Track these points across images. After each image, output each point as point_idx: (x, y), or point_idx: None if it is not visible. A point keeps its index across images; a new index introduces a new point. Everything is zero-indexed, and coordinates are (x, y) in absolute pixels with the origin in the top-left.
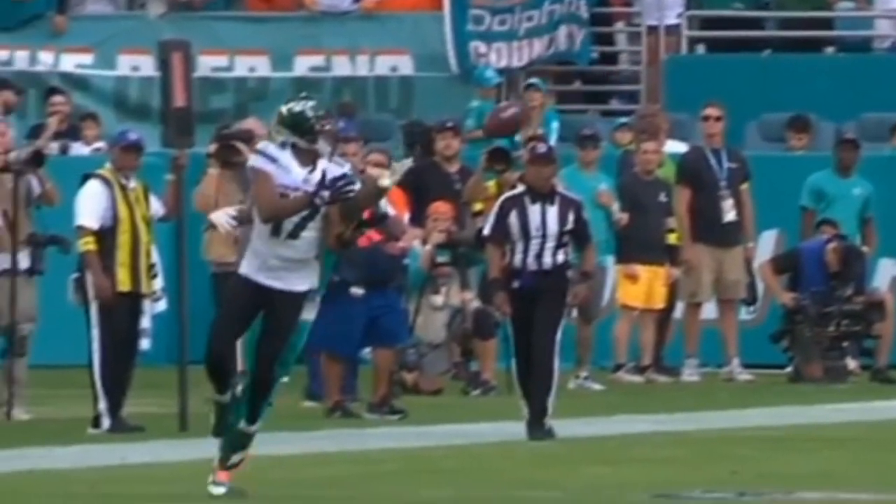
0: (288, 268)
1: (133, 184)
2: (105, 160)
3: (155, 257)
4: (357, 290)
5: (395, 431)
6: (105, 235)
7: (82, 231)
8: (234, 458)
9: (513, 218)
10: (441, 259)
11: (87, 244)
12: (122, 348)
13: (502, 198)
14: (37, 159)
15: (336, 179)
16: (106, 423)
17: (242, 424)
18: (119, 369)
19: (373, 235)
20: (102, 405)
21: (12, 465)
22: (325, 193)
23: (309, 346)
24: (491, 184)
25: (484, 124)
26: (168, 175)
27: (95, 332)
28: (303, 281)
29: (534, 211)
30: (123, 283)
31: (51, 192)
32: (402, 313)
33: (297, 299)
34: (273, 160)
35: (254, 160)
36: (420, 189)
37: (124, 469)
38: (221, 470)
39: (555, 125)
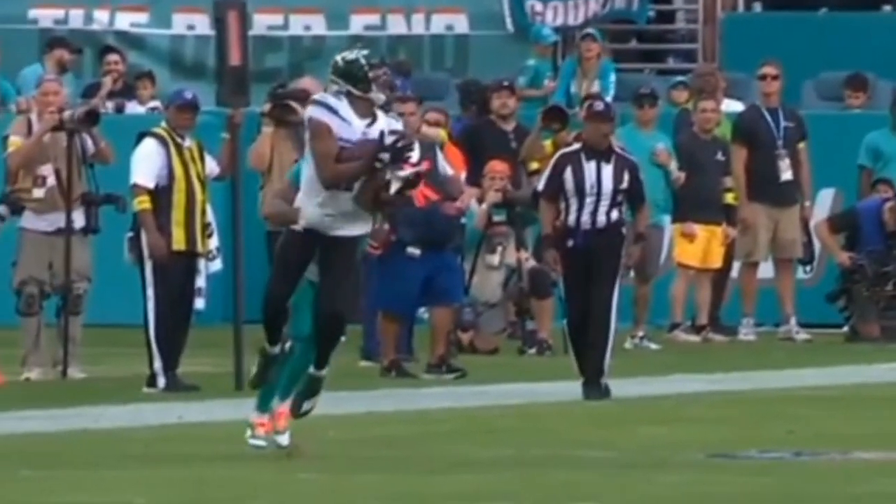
0: (344, 216)
1: (188, 142)
2: (160, 119)
3: (210, 216)
4: (413, 251)
5: (451, 391)
6: (160, 194)
7: (137, 190)
8: (306, 406)
9: (567, 174)
10: (497, 218)
11: (143, 203)
12: (177, 307)
13: (558, 154)
14: (91, 118)
15: (396, 141)
16: (161, 382)
17: (312, 370)
18: (174, 328)
19: (430, 195)
20: (157, 364)
21: (67, 423)
22: (386, 156)
23: (365, 305)
24: (547, 143)
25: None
26: (223, 134)
27: (150, 292)
28: (357, 226)
29: (589, 168)
30: (178, 242)
31: (105, 150)
32: (458, 273)
33: (354, 242)
34: (332, 111)
35: (312, 110)
36: (476, 148)
37: (179, 428)
38: (289, 417)
39: (612, 78)
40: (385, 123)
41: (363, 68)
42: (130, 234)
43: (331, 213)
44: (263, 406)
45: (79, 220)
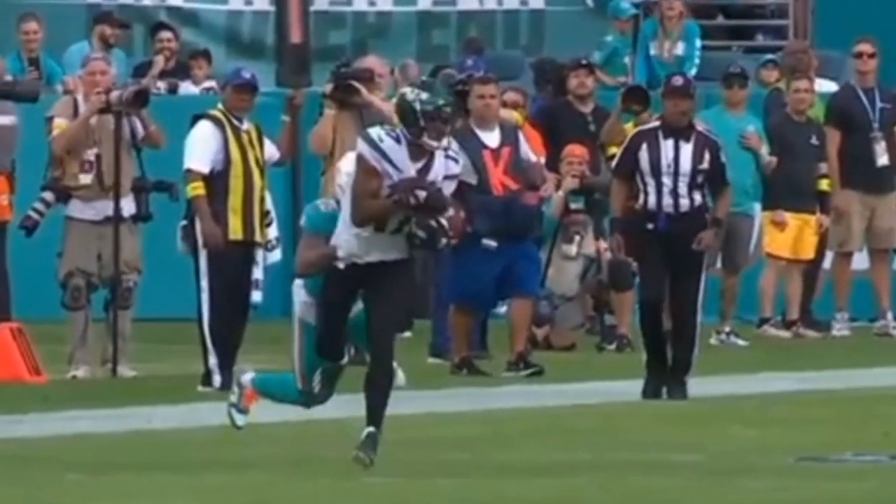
0: (386, 244)
1: (246, 125)
2: (216, 100)
3: (269, 204)
4: (489, 243)
5: (524, 390)
6: (216, 180)
7: (191, 175)
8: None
9: (643, 153)
10: (574, 206)
11: (197, 189)
12: (233, 300)
13: (634, 131)
14: (140, 99)
15: (432, 196)
16: (216, 380)
17: (369, 428)
18: (230, 323)
19: (509, 183)
20: (213, 361)
21: (117, 424)
22: (422, 194)
23: (437, 300)
24: (629, 125)
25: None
26: (283, 116)
27: (205, 284)
28: (399, 251)
29: (666, 147)
30: (235, 230)
31: (154, 133)
32: (537, 263)
33: (402, 265)
34: (385, 157)
35: (363, 148)
36: (552, 131)
37: (236, 429)
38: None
39: (698, 43)
40: (441, 168)
41: (415, 113)
42: (184, 222)
43: (367, 234)
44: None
45: (128, 207)
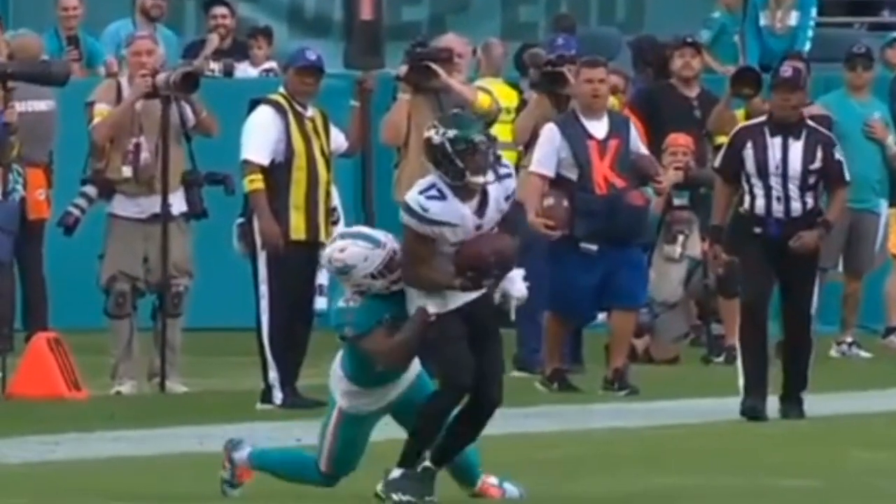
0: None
1: (310, 112)
2: (277, 84)
3: (335, 199)
4: (589, 247)
5: (623, 408)
6: (276, 172)
7: (249, 167)
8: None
9: (748, 152)
10: (678, 202)
11: (255, 183)
12: (295, 307)
13: (737, 127)
14: (189, 82)
15: (495, 264)
16: (278, 397)
17: (429, 463)
18: (293, 333)
19: (613, 179)
20: (273, 375)
21: (166, 446)
22: (488, 275)
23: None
24: (739, 112)
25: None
26: (352, 101)
27: (264, 289)
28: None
29: (774, 145)
30: (298, 229)
31: (207, 120)
32: (643, 271)
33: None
34: (436, 223)
35: (408, 220)
36: (653, 117)
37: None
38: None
39: (813, 13)
40: (500, 195)
41: (449, 156)
42: (240, 220)
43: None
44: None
45: (178, 204)
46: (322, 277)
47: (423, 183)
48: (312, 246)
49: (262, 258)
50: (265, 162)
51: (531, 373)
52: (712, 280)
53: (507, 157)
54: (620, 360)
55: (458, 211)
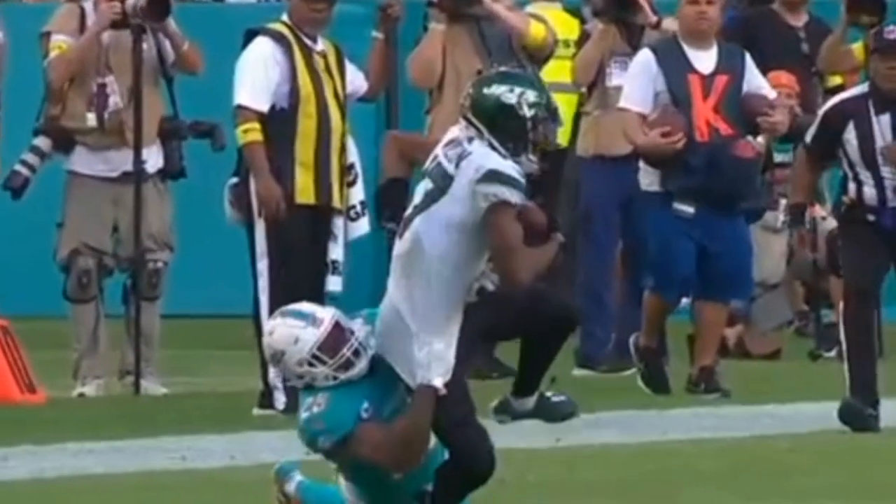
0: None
1: (321, 45)
2: (280, 10)
3: (353, 154)
4: (684, 209)
5: (709, 414)
6: (278, 121)
7: (244, 114)
8: None
9: (850, 133)
10: (781, 157)
11: (251, 133)
12: (302, 289)
13: (832, 102)
14: (157, 7)
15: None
16: (280, 400)
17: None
18: None
19: (720, 126)
20: (275, 374)
21: (142, 461)
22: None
23: (584, 293)
24: (856, 46)
25: None
26: (373, 32)
27: (263, 266)
28: None
29: (882, 125)
30: (305, 191)
31: (189, 55)
32: (747, 247)
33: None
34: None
35: (505, 192)
36: (750, 51)
37: (305, 469)
38: None
39: None
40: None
41: (529, 127)
42: (234, 180)
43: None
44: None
45: (154, 160)
46: (336, 251)
47: (482, 145)
48: (323, 212)
49: (259, 227)
50: (264, 108)
51: (596, 370)
52: (822, 255)
53: (565, 103)
54: (709, 357)
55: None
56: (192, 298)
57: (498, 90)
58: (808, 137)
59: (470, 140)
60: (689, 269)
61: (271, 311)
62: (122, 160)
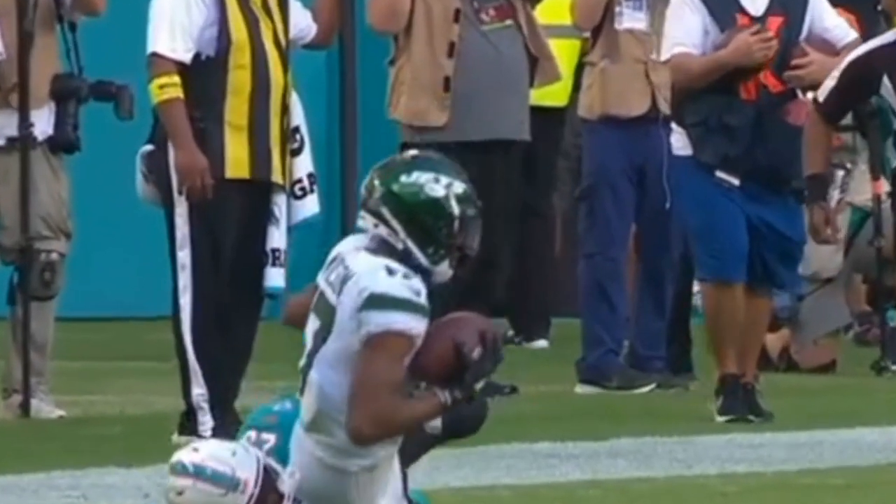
0: None
1: None
2: None
3: (298, 116)
4: (728, 178)
5: (746, 441)
6: (203, 74)
7: (160, 65)
8: None
9: (884, 85)
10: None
11: (169, 90)
12: (234, 285)
13: (858, 52)
14: None
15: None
16: (206, 423)
17: None
18: (230, 324)
19: (770, 82)
20: (198, 392)
21: (31, 501)
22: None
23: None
24: None
25: None
26: None
27: (185, 256)
28: None
29: None
30: (237, 163)
31: None
32: (800, 235)
33: None
34: (426, 314)
35: (398, 321)
36: None
37: None
38: None
39: None
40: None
41: (451, 220)
42: (148, 147)
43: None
44: None
45: (43, 125)
46: (277, 238)
47: (400, 267)
48: (260, 189)
49: (180, 208)
50: (185, 57)
51: (605, 387)
52: (889, 243)
53: (565, 50)
54: (750, 370)
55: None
56: (94, 298)
57: (420, 179)
58: (822, 94)
59: (356, 251)
60: (745, 242)
61: (195, 314)
62: (4, 124)
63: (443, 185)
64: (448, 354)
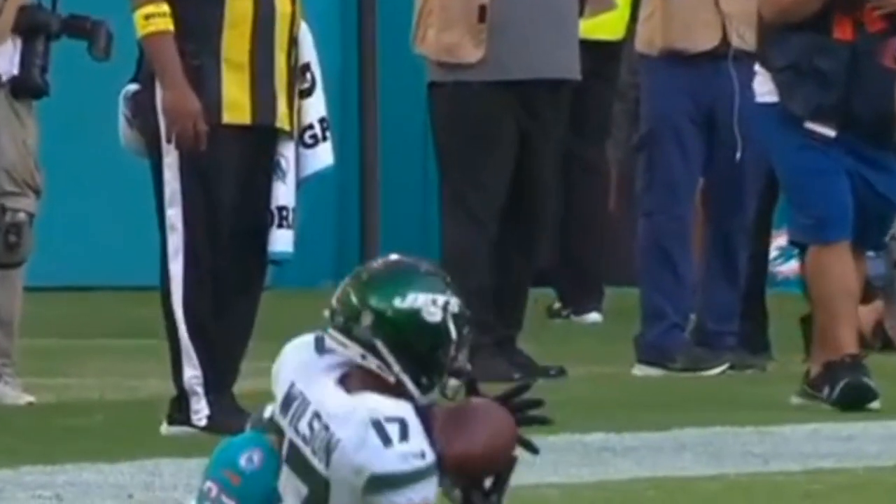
0: None
1: None
2: None
3: (308, 51)
4: (821, 129)
5: (833, 432)
6: (196, 2)
7: None
8: None
9: None
10: None
11: (157, 21)
12: (234, 250)
13: None
14: None
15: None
16: (201, 412)
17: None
18: (228, 296)
19: (869, 21)
20: (193, 374)
21: None
22: None
23: (645, 253)
24: None
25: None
26: None
27: (175, 216)
28: None
29: None
30: (236, 106)
31: None
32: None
33: None
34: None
35: (413, 489)
36: None
37: None
38: None
39: None
40: None
41: (445, 342)
42: (132, 87)
43: None
44: None
45: (6, 64)
46: (283, 194)
47: (386, 410)
48: (264, 137)
49: (170, 159)
50: None
51: (668, 368)
52: None
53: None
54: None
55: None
56: (68, 265)
57: (417, 302)
58: None
59: (324, 386)
60: (849, 197)
61: (187, 283)
62: None
63: (440, 307)
64: (496, 459)
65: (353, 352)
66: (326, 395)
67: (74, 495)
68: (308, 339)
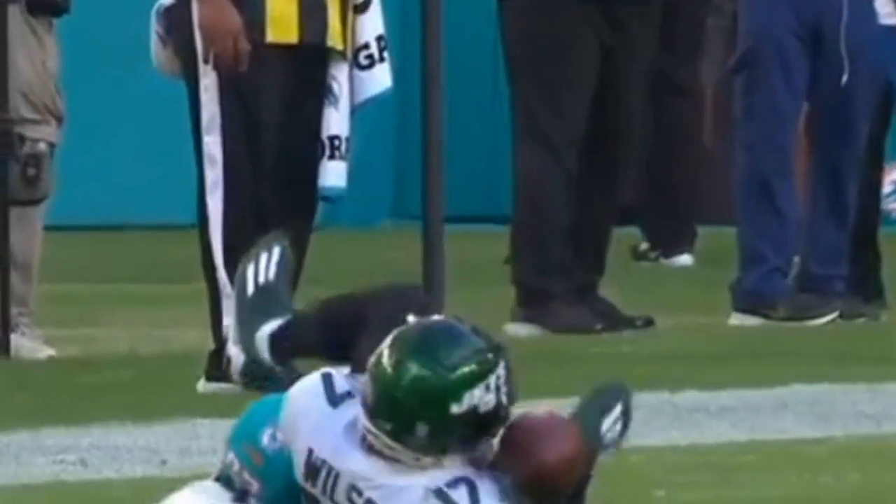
0: None
1: None
2: None
3: None
4: None
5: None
6: None
7: None
8: None
9: None
10: None
11: None
12: (280, 184)
13: None
14: None
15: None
16: (237, 360)
17: None
18: (273, 233)
19: None
20: (231, 320)
21: (15, 469)
22: None
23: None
24: None
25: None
26: None
27: (214, 145)
28: None
29: None
30: (282, 22)
31: None
32: None
33: None
34: None
35: None
36: None
37: None
38: None
39: None
40: None
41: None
42: (167, 0)
43: None
44: None
45: None
46: (335, 123)
47: (440, 475)
48: (313, 57)
49: (207, 80)
50: None
51: (770, 317)
52: None
53: None
54: None
55: None
56: (93, 202)
57: (472, 400)
58: None
59: (378, 470)
60: None
61: (227, 220)
62: None
63: (493, 388)
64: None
65: (406, 457)
66: (360, 468)
67: (101, 460)
68: (316, 383)
